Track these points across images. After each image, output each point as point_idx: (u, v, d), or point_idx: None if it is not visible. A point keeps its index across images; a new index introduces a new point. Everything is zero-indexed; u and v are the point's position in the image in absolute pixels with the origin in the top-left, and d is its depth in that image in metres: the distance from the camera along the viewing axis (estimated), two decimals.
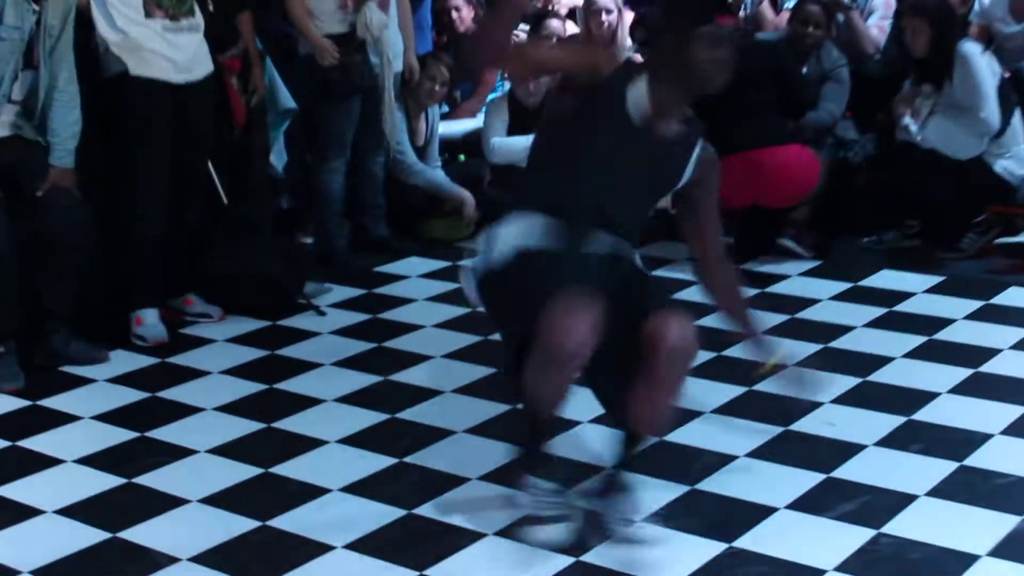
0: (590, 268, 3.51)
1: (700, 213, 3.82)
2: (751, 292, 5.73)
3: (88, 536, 3.77)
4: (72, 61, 5.09)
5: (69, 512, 3.96)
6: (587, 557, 3.52)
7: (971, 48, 6.31)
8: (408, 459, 4.27)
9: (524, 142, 6.72)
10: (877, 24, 7.10)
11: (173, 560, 3.60)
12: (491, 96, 7.41)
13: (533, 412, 3.61)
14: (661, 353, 3.35)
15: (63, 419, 4.70)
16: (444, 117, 7.37)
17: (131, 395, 4.92)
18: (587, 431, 4.40)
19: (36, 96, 5.02)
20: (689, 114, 3.83)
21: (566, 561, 3.50)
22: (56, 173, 5.04)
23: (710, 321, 4.94)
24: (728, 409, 4.58)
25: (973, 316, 5.68)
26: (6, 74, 4.87)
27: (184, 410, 4.77)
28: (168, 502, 3.98)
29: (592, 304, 3.28)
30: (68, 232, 5.04)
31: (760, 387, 4.43)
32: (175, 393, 4.93)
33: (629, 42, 7.40)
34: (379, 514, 3.83)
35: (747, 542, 3.58)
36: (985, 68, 6.27)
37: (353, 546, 3.63)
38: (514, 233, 3.57)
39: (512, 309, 3.60)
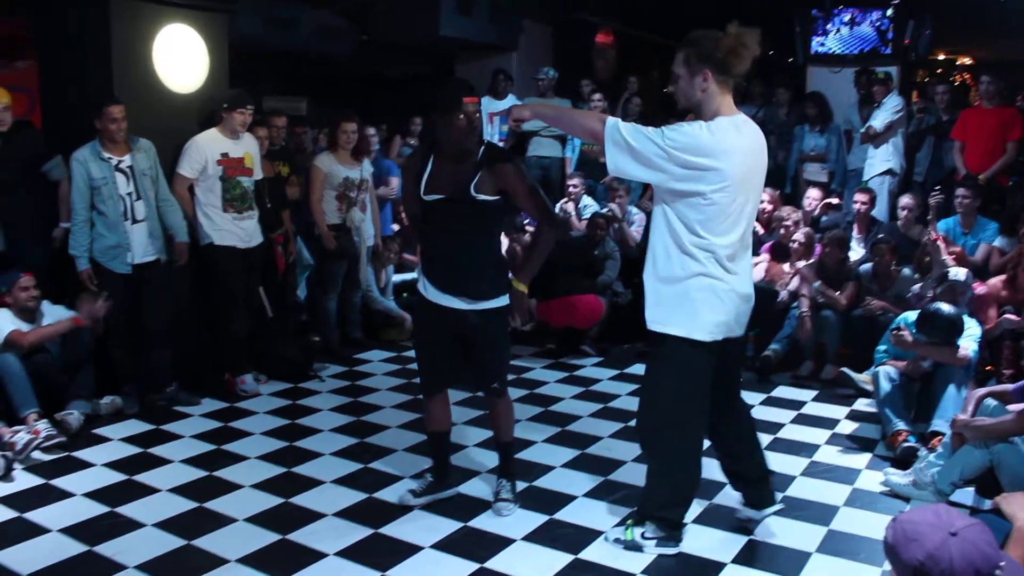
0: None
1: None
2: (562, 375, 5.89)
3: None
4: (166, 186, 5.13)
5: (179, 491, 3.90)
6: None
7: None
8: (372, 465, 4.19)
9: None
10: (635, 229, 7.30)
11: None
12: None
13: None
14: None
15: (172, 437, 4.67)
16: (395, 272, 7.24)
17: (214, 424, 4.89)
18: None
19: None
20: None
21: None
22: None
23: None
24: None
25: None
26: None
27: (240, 433, 4.74)
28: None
29: None
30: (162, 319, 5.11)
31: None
32: (239, 423, 4.91)
33: None
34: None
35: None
36: None
37: None
38: None
39: None
